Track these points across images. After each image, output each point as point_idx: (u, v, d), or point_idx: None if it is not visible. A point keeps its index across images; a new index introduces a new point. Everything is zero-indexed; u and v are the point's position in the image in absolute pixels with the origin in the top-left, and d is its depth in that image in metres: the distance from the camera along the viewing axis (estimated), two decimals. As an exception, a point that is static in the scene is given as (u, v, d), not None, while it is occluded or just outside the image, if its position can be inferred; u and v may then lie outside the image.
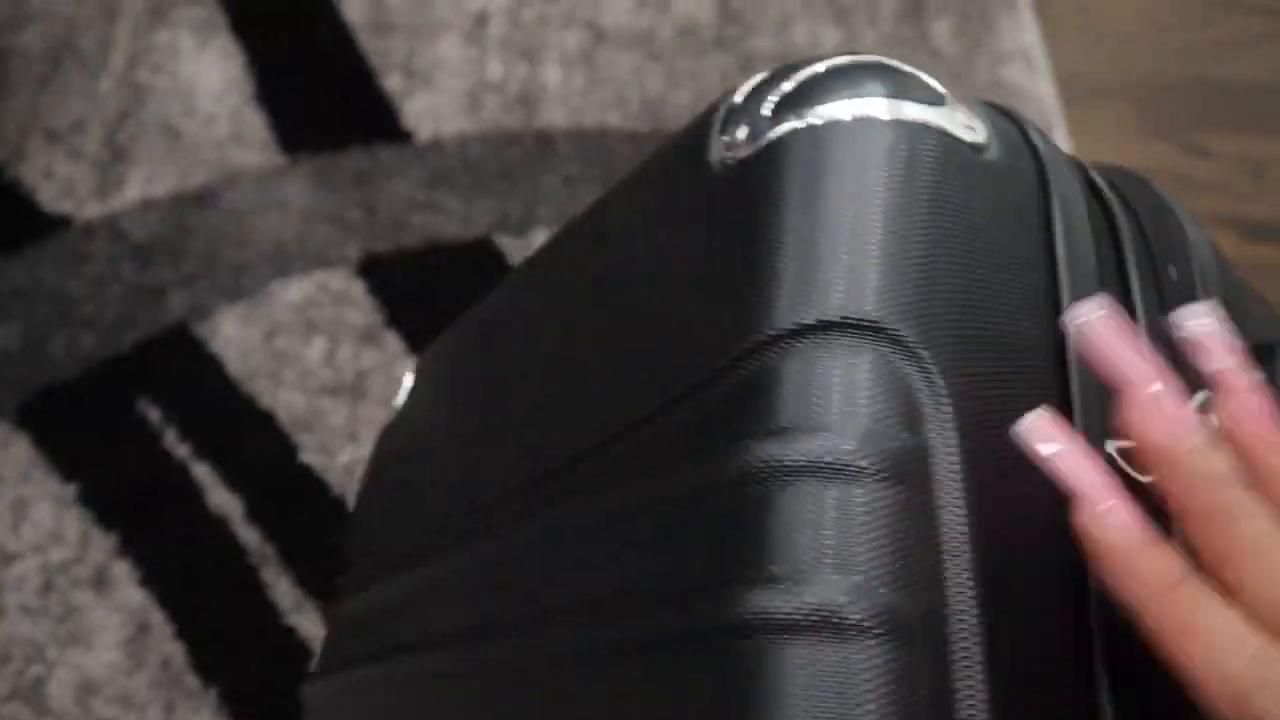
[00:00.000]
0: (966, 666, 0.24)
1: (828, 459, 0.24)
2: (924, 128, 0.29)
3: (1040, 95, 0.81)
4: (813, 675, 0.23)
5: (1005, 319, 0.28)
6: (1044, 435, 0.25)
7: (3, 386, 0.65)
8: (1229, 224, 0.80)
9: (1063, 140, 0.80)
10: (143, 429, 0.65)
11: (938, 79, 0.31)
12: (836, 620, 0.23)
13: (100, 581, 0.61)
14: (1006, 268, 0.28)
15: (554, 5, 0.80)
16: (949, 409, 0.26)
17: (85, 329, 0.67)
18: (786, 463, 0.25)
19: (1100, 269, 0.30)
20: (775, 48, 0.80)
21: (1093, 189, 0.32)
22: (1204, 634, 0.23)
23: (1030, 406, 0.25)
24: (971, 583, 0.24)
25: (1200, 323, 0.26)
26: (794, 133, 0.29)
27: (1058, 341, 0.28)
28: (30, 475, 0.63)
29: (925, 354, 0.26)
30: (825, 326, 0.26)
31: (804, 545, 0.24)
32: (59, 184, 0.73)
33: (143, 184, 0.73)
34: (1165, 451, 0.25)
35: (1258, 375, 0.26)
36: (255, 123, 0.76)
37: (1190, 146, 0.83)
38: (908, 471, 0.25)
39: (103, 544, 0.61)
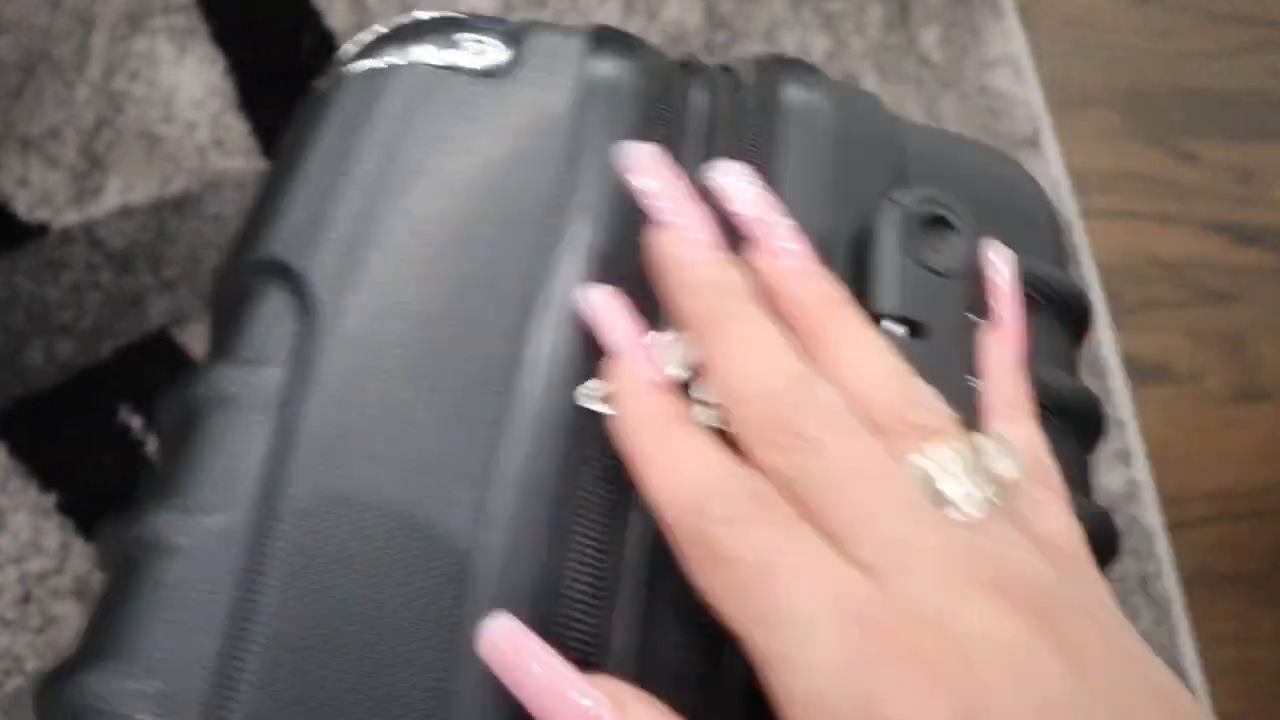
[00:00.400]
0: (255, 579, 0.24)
1: (232, 389, 0.27)
2: (421, 68, 0.30)
3: (1028, 101, 0.81)
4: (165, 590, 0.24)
5: (483, 250, 0.29)
6: (592, 302, 0.27)
7: (-22, 396, 0.64)
8: (1219, 230, 0.79)
9: (1051, 146, 0.80)
10: (124, 437, 0.64)
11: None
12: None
13: (81, 592, 0.60)
14: (502, 192, 0.29)
15: (542, 10, 0.79)
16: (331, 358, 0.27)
17: (63, 336, 0.66)
18: (211, 390, 0.27)
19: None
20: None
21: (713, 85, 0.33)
22: (679, 458, 0.24)
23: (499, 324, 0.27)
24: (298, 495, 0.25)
25: (726, 174, 0.28)
26: (342, 74, 0.32)
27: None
28: (7, 485, 0.62)
29: (325, 297, 0.27)
30: (259, 265, 0.28)
31: (209, 472, 0.26)
32: (35, 192, 0.72)
33: (121, 191, 0.72)
34: (673, 258, 0.26)
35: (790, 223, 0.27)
36: (238, 129, 0.75)
37: (1179, 153, 0.83)
38: (276, 403, 0.26)
39: (83, 553, 0.60)
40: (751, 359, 0.24)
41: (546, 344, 0.27)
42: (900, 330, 0.28)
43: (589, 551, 0.25)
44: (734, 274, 0.26)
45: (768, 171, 0.31)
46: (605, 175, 0.29)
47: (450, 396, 0.27)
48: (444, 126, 0.30)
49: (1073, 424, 0.32)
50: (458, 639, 0.24)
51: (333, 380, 0.26)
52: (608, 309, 0.27)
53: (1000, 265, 0.30)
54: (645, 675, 0.24)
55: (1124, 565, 0.66)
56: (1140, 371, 0.74)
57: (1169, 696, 0.21)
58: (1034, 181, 0.38)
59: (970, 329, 0.29)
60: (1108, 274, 0.77)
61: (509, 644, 0.23)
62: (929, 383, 0.25)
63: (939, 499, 0.22)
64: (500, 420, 0.26)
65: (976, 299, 0.29)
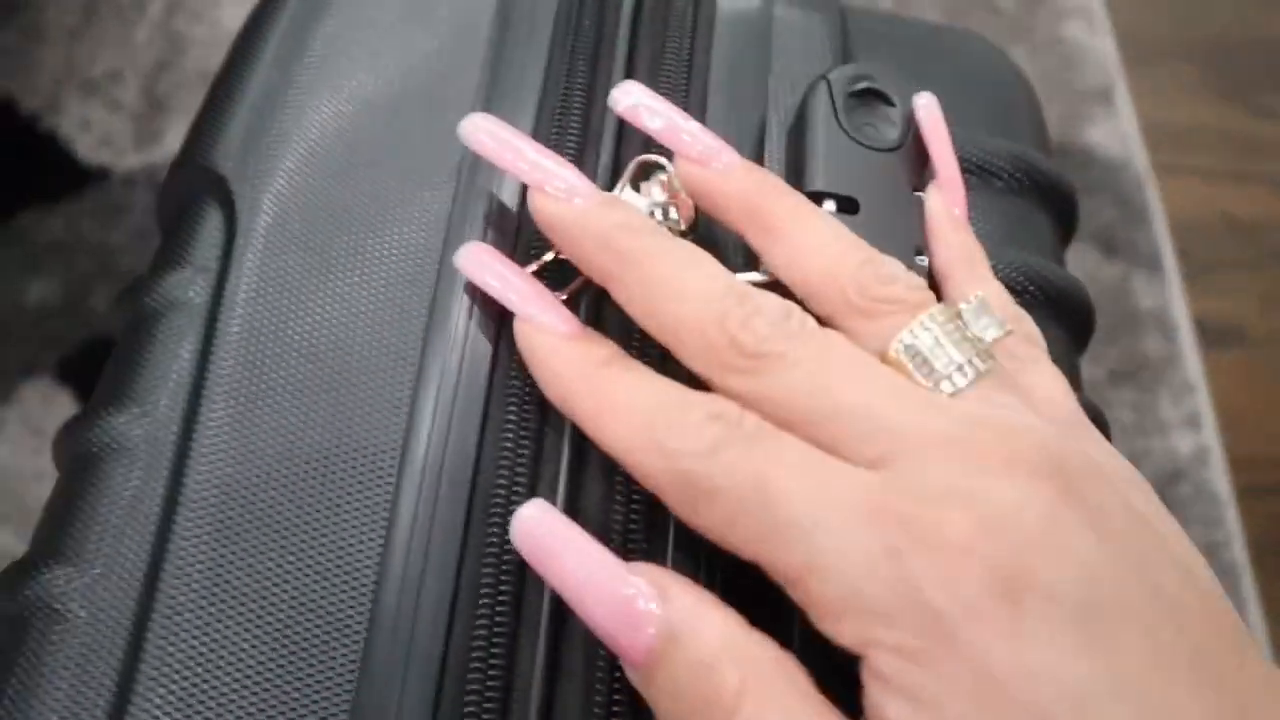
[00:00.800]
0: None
1: (165, 297, 0.28)
2: None
3: (1101, 53, 0.79)
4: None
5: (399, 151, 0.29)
6: (476, 261, 0.25)
7: (43, 341, 0.64)
8: (1300, 188, 0.77)
9: (1124, 100, 0.78)
10: (183, 385, 0.64)
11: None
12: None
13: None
14: (423, 96, 0.30)
15: None
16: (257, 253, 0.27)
17: (126, 282, 0.67)
18: (147, 299, 0.28)
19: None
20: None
21: None
22: (621, 402, 0.22)
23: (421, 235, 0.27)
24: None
25: (627, 95, 0.26)
26: None
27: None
28: (71, 430, 0.63)
29: (246, 199, 0.28)
30: (192, 173, 0.29)
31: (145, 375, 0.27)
32: (96, 135, 0.72)
33: (183, 134, 0.72)
34: (559, 218, 0.24)
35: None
36: (295, 74, 0.75)
37: (1257, 108, 0.80)
38: (203, 309, 0.27)
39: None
40: (681, 289, 0.22)
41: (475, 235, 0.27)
42: (830, 206, 0.26)
43: (510, 427, 0.25)
44: (628, 211, 0.24)
45: (695, 64, 0.30)
46: (523, 81, 0.29)
47: (372, 292, 0.27)
48: (368, 35, 0.31)
49: (1058, 315, 0.30)
50: (390, 523, 0.24)
51: (252, 283, 0.27)
52: (487, 271, 0.25)
53: (928, 111, 0.28)
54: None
55: (1191, 532, 0.65)
56: (1211, 334, 0.72)
57: (1186, 563, 0.20)
58: (1014, 66, 0.37)
59: (912, 205, 0.27)
60: (1179, 233, 0.75)
61: (543, 531, 0.22)
62: None
63: (930, 373, 0.22)
64: (428, 311, 0.26)
65: (923, 175, 0.28)
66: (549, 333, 0.24)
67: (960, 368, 0.22)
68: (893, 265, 0.23)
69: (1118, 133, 0.77)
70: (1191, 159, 0.78)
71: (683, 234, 0.26)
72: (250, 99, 0.30)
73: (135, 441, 0.26)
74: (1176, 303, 0.72)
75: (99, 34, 0.75)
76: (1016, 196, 0.31)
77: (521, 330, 0.24)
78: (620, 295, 0.24)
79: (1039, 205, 0.32)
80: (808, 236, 0.24)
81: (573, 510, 0.24)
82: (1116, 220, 0.74)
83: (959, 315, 0.23)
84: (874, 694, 0.19)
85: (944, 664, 0.18)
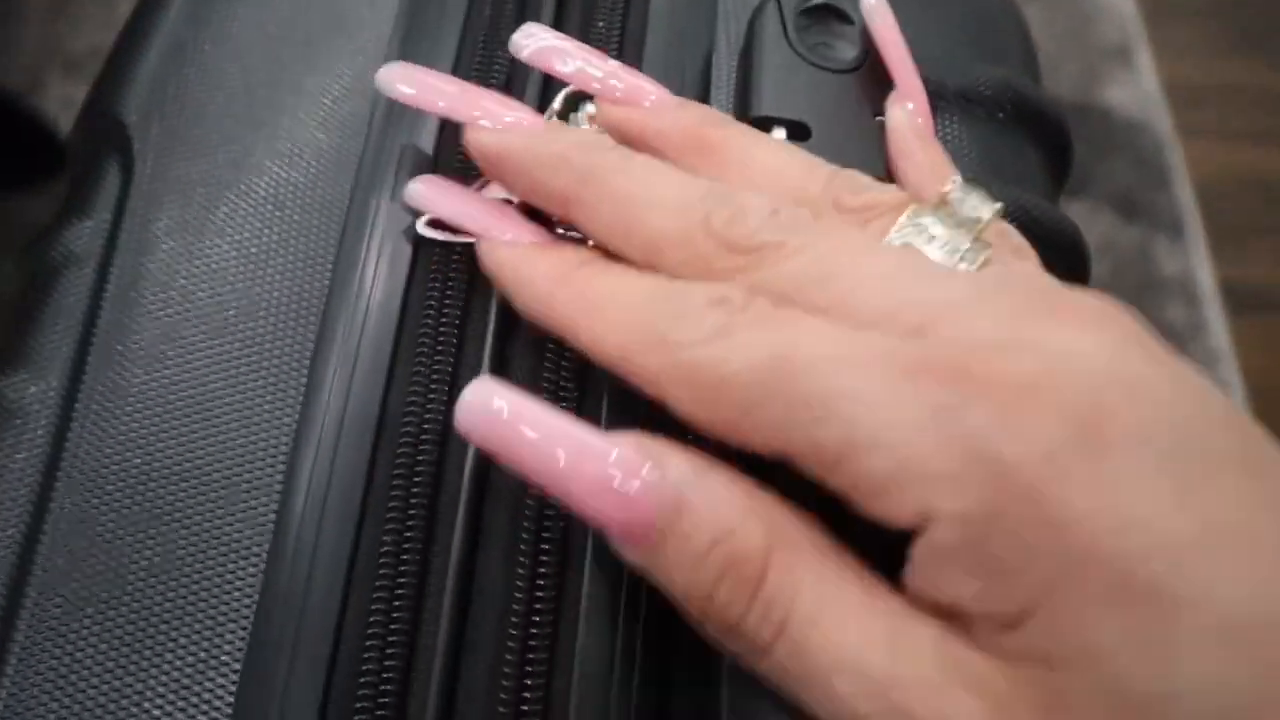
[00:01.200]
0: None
1: (62, 248, 0.26)
2: None
3: (1120, 9, 0.75)
4: None
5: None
6: (424, 196, 0.23)
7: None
8: (1329, 143, 0.73)
9: (1143, 57, 0.74)
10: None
11: None
12: None
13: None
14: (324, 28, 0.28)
15: None
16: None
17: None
18: (45, 251, 0.27)
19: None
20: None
21: None
22: (608, 299, 0.20)
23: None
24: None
25: (528, 38, 0.24)
26: None
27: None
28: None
29: (139, 143, 0.26)
30: (93, 121, 0.28)
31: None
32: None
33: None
34: (503, 148, 0.22)
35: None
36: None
37: (1283, 63, 0.76)
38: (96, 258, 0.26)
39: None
40: (656, 197, 0.20)
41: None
42: (780, 134, 0.24)
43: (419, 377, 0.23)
44: (580, 131, 0.23)
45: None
46: (444, 14, 0.27)
47: (273, 240, 0.25)
48: None
49: (1048, 257, 0.27)
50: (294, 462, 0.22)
51: (143, 228, 0.25)
52: (439, 198, 0.23)
53: (877, 12, 0.25)
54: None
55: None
56: (1239, 300, 0.69)
57: (1236, 420, 0.18)
58: None
59: (873, 131, 0.24)
60: (1204, 196, 0.71)
61: (491, 418, 0.19)
62: None
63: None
64: (333, 259, 0.24)
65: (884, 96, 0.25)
66: (513, 244, 0.22)
67: (964, 253, 0.19)
68: (858, 176, 0.21)
69: (1137, 91, 0.74)
70: (1216, 119, 0.75)
71: None
72: (158, 43, 0.28)
73: (27, 405, 0.24)
74: (1201, 268, 0.69)
75: (80, 10, 0.73)
76: (1000, 128, 0.29)
77: (485, 247, 0.22)
78: (586, 219, 0.21)
79: (1027, 138, 0.29)
80: (762, 160, 0.22)
81: (484, 471, 0.21)
82: (1136, 182, 0.71)
83: (945, 202, 0.20)
84: (937, 574, 0.17)
85: (1019, 527, 0.16)
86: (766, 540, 0.17)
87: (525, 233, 0.22)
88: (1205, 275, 0.69)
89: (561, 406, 0.21)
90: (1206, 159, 0.73)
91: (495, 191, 0.23)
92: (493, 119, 0.22)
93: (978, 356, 0.17)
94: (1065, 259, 0.27)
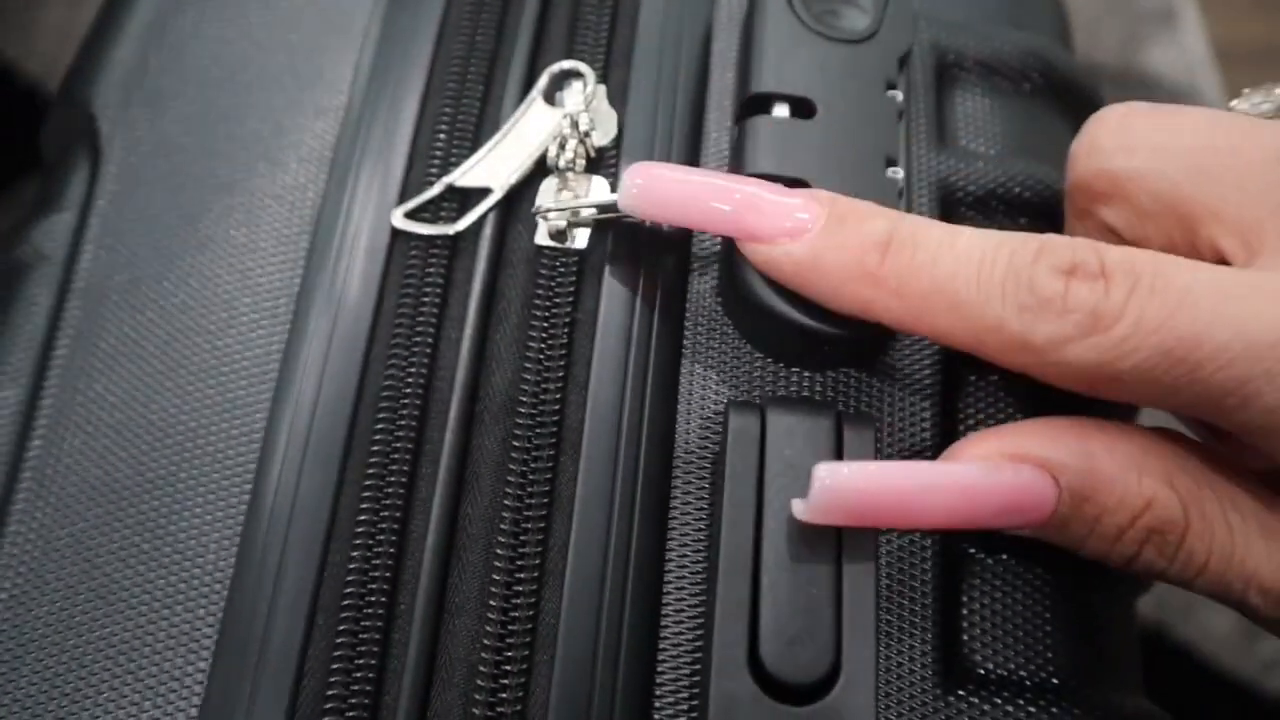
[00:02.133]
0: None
1: (32, 245, 0.25)
2: None
3: (1165, -33, 0.72)
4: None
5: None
6: (646, 176, 0.20)
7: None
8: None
9: (1190, 17, 0.71)
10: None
11: None
12: None
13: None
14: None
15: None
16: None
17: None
18: (16, 249, 0.25)
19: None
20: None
21: None
22: (938, 285, 0.19)
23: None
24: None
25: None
26: None
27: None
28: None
29: (108, 136, 0.25)
30: (63, 115, 0.27)
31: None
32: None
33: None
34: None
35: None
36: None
37: (1337, 22, 0.73)
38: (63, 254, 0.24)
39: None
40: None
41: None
42: (783, 111, 0.22)
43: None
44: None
45: None
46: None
47: (243, 237, 0.24)
48: None
49: None
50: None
51: (109, 225, 0.24)
52: (697, 185, 0.20)
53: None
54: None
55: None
56: None
57: None
58: None
59: (884, 106, 0.22)
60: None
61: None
62: (824, 171, 0.21)
63: None
64: (306, 252, 0.23)
65: (899, 71, 0.23)
66: (788, 239, 0.20)
67: None
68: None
69: (1183, 55, 0.71)
70: (1266, 84, 0.72)
71: (601, 150, 0.23)
72: (131, 32, 0.27)
73: (4, 408, 0.23)
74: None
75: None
76: (1026, 98, 0.27)
77: (755, 251, 0.20)
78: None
79: (1053, 108, 0.27)
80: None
81: (465, 442, 0.21)
82: (1181, 150, 0.68)
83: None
84: None
85: None
86: (1182, 503, 0.19)
87: (794, 212, 0.20)
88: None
89: (551, 382, 0.21)
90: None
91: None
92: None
93: None
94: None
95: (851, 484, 0.18)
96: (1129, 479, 0.19)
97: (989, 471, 0.19)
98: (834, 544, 0.19)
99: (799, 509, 0.18)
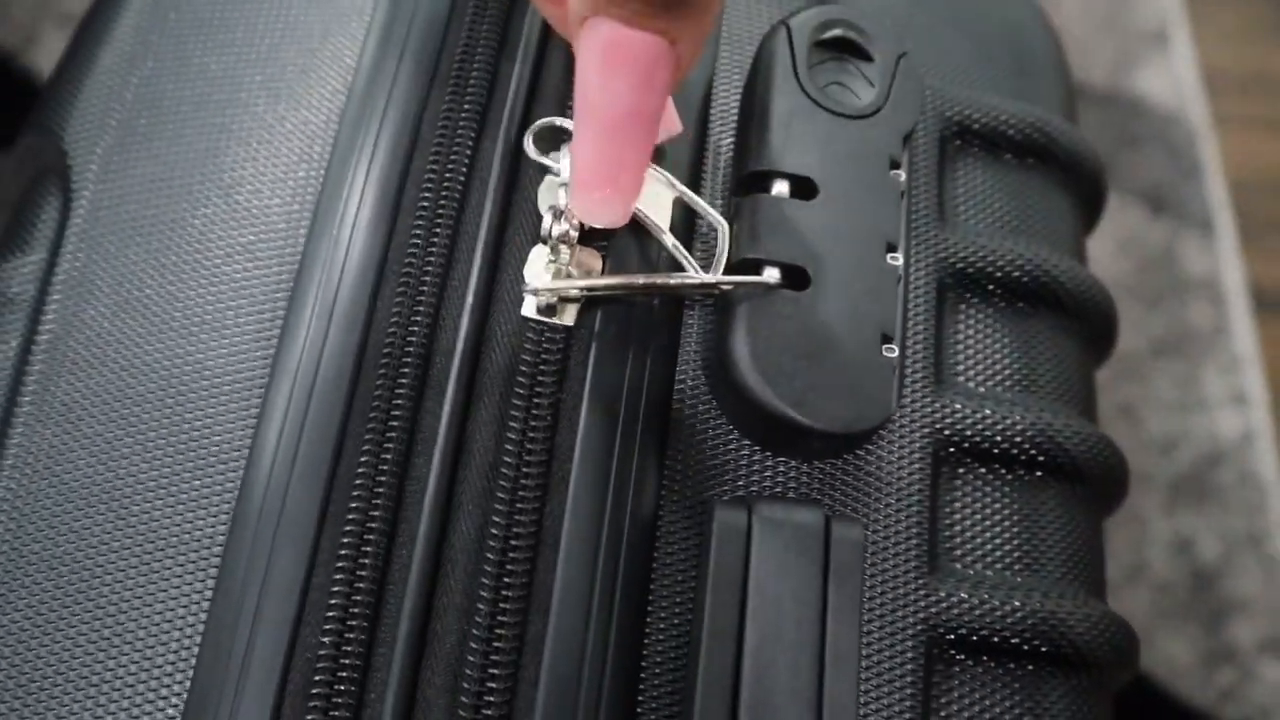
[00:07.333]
0: None
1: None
2: None
3: (1159, -11, 0.72)
4: None
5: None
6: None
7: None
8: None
9: (1181, 41, 0.71)
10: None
11: None
12: None
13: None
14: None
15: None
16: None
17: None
18: None
19: None
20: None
21: None
22: None
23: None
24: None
25: None
26: None
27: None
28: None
29: (80, 173, 0.25)
30: (35, 134, 0.27)
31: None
32: (72, 71, 0.68)
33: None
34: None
35: None
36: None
37: (1331, 51, 0.73)
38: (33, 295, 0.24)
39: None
40: None
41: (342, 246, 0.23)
42: (782, 189, 0.22)
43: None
44: None
45: None
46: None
47: (220, 281, 0.23)
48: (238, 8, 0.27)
49: (1072, 324, 0.25)
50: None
51: (79, 268, 0.24)
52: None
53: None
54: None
55: (1232, 520, 0.60)
56: (1267, 302, 0.66)
57: None
58: (1036, 11, 0.31)
59: (888, 188, 0.22)
60: (1238, 190, 0.68)
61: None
62: (822, 258, 0.21)
63: None
64: (287, 297, 0.23)
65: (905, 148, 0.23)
66: None
67: None
68: None
69: (1172, 78, 0.71)
70: (1255, 109, 0.72)
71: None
72: (106, 64, 0.26)
73: None
74: (1229, 267, 0.66)
75: (74, -38, 0.71)
76: (1029, 172, 0.26)
77: None
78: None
79: (1056, 184, 0.27)
80: None
81: (463, 423, 0.21)
82: (1166, 175, 0.68)
83: None
84: None
85: None
86: None
87: None
88: (1233, 275, 0.66)
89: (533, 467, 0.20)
90: (1243, 151, 0.70)
91: None
92: None
93: None
94: (1090, 328, 0.25)
95: None
96: None
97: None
98: (817, 660, 0.18)
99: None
